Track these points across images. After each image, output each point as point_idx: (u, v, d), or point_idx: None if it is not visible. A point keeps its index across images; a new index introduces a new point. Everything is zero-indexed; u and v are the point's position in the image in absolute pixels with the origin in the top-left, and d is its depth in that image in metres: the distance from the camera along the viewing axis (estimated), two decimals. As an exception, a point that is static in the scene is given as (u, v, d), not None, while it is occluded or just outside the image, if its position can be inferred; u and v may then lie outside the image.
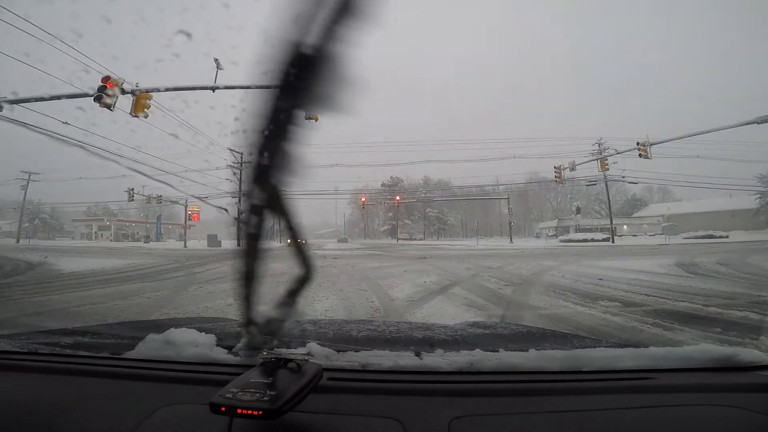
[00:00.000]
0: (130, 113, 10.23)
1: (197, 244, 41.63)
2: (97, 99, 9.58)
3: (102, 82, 9.68)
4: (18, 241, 40.66)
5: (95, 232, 61.94)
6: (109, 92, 9.56)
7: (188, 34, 10.48)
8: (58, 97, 10.63)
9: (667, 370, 0.90)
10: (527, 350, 0.98)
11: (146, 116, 10.40)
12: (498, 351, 0.97)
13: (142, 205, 51.46)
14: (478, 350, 0.97)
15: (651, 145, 17.59)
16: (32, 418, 0.78)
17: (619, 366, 0.90)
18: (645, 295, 6.12)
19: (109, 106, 9.64)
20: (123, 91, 9.89)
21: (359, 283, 8.02)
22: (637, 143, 17.86)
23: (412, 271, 10.50)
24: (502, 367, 0.89)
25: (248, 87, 10.62)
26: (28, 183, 42.61)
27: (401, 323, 1.58)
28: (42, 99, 10.71)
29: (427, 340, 1.19)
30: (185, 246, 37.18)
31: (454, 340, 1.17)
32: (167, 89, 10.96)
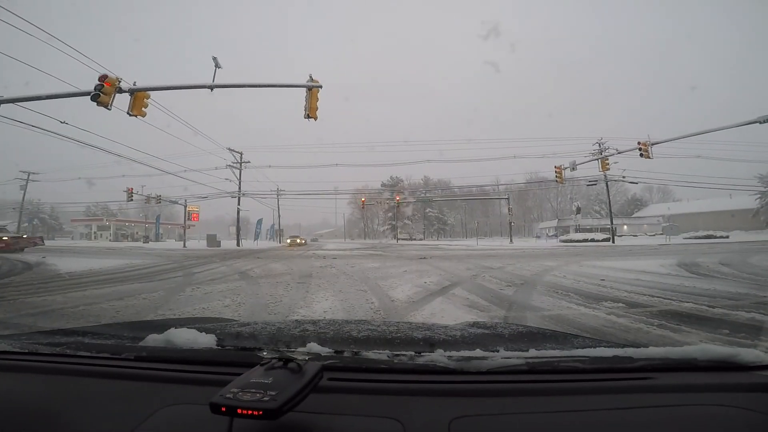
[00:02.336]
0: (128, 112, 10.13)
1: (196, 244, 41.59)
2: (94, 98, 9.47)
3: (99, 80, 9.57)
4: (17, 241, 40.53)
5: (94, 232, 61.86)
6: (106, 91, 9.45)
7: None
8: (55, 96, 10.54)
9: (667, 370, 0.89)
10: (527, 350, 0.97)
11: (144, 115, 10.31)
12: (498, 351, 0.97)
13: (141, 205, 51.35)
14: (478, 350, 0.97)
15: (652, 144, 17.50)
16: (32, 419, 0.78)
17: (619, 366, 0.90)
18: (649, 295, 6.03)
19: (106, 105, 9.54)
20: (120, 90, 9.78)
21: (359, 284, 7.93)
22: (639, 143, 17.77)
23: (412, 271, 10.41)
24: (502, 367, 0.89)
25: (246, 86, 10.51)
26: (27, 183, 42.50)
27: (401, 323, 1.55)
28: (39, 98, 10.62)
29: (427, 340, 1.18)
30: (184, 246, 37.07)
31: (454, 340, 1.16)
32: (165, 88, 10.86)
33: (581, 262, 12.68)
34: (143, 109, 10.27)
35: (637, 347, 1.00)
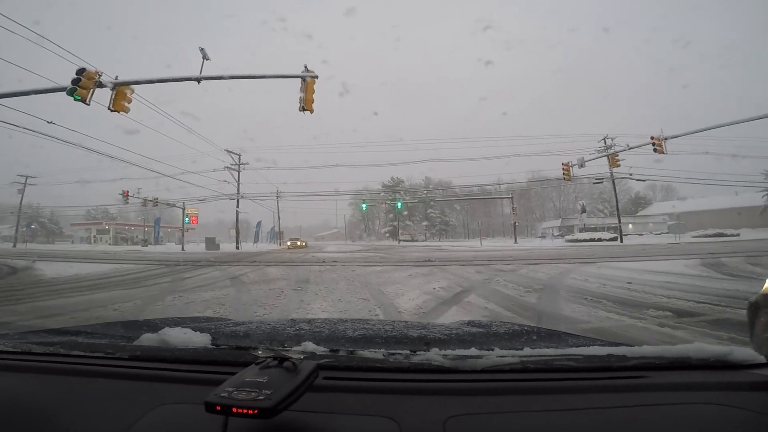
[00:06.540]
0: (109, 108, 9.37)
1: (195, 247, 40.94)
2: (71, 92, 8.74)
3: (77, 74, 8.85)
4: (15, 245, 39.96)
5: (94, 236, 61.32)
6: (84, 85, 8.72)
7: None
8: (30, 93, 9.77)
9: (661, 369, 0.87)
10: (522, 349, 0.94)
11: (127, 111, 9.56)
12: (493, 349, 0.92)
13: (140, 209, 50.76)
14: (473, 349, 0.93)
15: (665, 139, 16.72)
16: (26, 419, 0.77)
17: (613, 364, 0.87)
18: (693, 301, 5.28)
19: (84, 100, 8.80)
20: (100, 84, 9.05)
21: (360, 291, 7.18)
22: (652, 137, 16.98)
23: (417, 275, 9.65)
24: (498, 366, 0.85)
25: (235, 77, 9.75)
26: (24, 187, 42.04)
27: (397, 322, 1.48)
28: (13, 95, 9.89)
29: (423, 338, 1.15)
30: (183, 249, 36.41)
31: (450, 339, 1.12)
32: (149, 81, 10.11)
33: (597, 263, 11.95)
34: (126, 104, 9.52)
35: (631, 346, 0.96)
